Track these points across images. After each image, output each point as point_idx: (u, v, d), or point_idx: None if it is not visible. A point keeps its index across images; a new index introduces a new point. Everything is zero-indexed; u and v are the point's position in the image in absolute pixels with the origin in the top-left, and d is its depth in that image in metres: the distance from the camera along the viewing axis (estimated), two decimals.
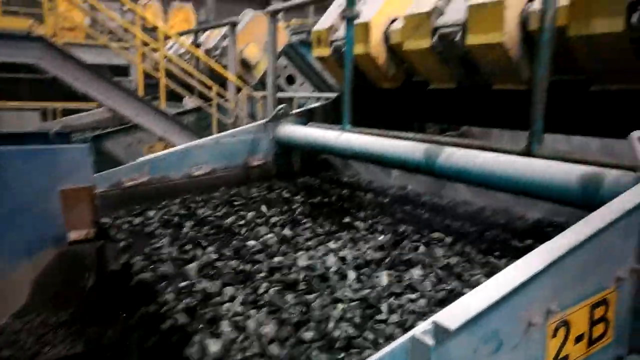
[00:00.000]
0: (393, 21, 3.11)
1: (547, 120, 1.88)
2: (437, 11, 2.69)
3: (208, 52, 8.60)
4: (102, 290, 2.45)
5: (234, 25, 7.40)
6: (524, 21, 2.33)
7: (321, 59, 3.69)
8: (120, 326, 2.26)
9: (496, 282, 1.03)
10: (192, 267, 1.91)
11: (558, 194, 1.70)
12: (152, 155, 2.88)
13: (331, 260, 1.90)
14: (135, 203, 2.69)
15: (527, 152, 1.89)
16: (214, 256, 2.01)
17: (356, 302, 1.56)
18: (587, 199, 1.59)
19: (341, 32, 3.31)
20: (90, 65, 5.90)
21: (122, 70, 12.36)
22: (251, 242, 2.15)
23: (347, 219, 2.46)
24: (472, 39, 2.47)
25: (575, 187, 1.62)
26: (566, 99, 2.24)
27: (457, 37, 2.54)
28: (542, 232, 2.24)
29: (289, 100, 7.53)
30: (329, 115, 3.44)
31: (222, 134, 3.18)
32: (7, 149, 2.39)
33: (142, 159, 2.80)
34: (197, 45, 8.76)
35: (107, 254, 2.32)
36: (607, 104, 2.17)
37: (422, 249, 2.04)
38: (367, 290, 1.62)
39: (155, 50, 6.98)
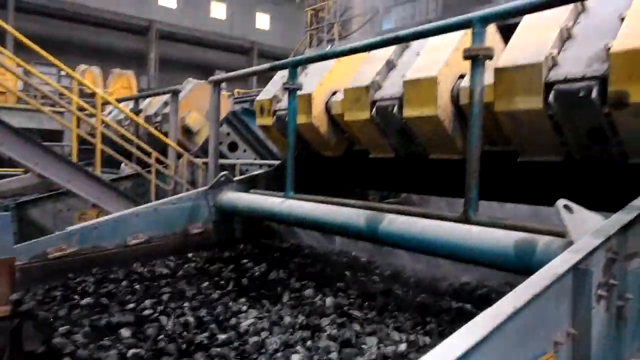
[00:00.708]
0: (334, 93, 3.25)
1: (481, 188, 1.97)
2: (375, 85, 2.85)
3: (149, 118, 8.53)
4: None
5: (175, 93, 7.43)
6: (455, 96, 2.50)
7: (264, 128, 3.76)
8: None
9: (441, 351, 1.01)
10: (112, 353, 1.75)
11: (494, 259, 1.75)
12: (83, 224, 2.71)
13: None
14: (60, 276, 2.47)
15: (464, 219, 1.96)
16: (133, 340, 1.87)
17: None
18: (521, 264, 1.65)
19: (284, 103, 3.40)
20: (18, 129, 5.61)
21: (56, 135, 11.92)
22: (169, 325, 2.01)
23: (286, 290, 2.39)
24: (408, 112, 2.61)
25: (510, 253, 1.69)
26: (498, 168, 2.38)
27: (394, 110, 2.68)
28: (480, 297, 2.28)
29: (231, 167, 7.49)
30: (272, 182, 3.44)
31: (161, 201, 3.08)
32: None
33: (71, 227, 2.63)
34: (138, 112, 8.67)
35: (24, 333, 2.09)
36: (534, 174, 2.32)
37: (356, 313, 2.01)
38: None
39: (92, 115, 6.82)
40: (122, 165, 7.66)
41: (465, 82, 2.46)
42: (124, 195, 6.23)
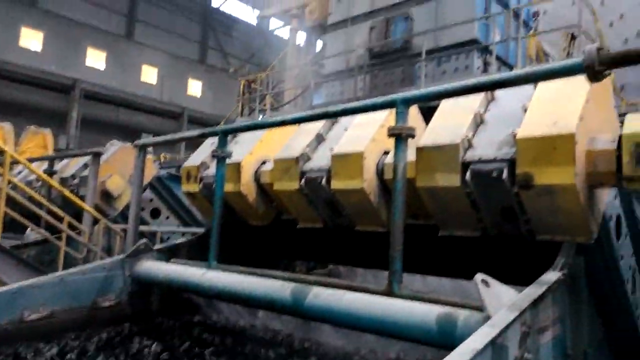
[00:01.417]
0: (264, 162, 3.27)
1: (405, 261, 2.02)
2: (305, 157, 2.91)
3: (65, 180, 8.02)
4: None
5: (97, 155, 7.12)
6: (380, 171, 2.61)
7: (190, 195, 3.65)
8: None
9: None
10: None
11: (417, 334, 1.76)
12: None
13: None
14: None
15: (389, 292, 1.97)
16: None
17: None
18: (444, 339, 1.67)
19: (212, 170, 3.36)
20: None
21: None
22: None
23: None
24: (336, 184, 2.67)
25: (432, 328, 1.70)
26: (421, 241, 2.46)
27: (323, 182, 2.74)
28: None
29: (152, 235, 7.14)
30: (194, 252, 3.30)
31: (69, 270, 2.82)
32: None
33: None
34: (53, 173, 8.15)
35: None
36: (454, 248, 2.42)
37: None
38: None
39: None
40: (28, 230, 7.04)
41: (389, 158, 2.58)
42: (25, 264, 5.66)
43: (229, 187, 3.15)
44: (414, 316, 1.77)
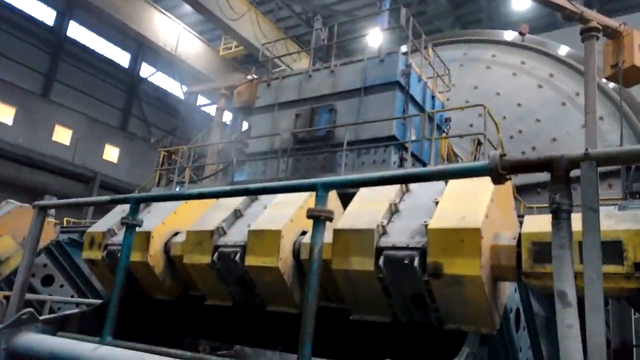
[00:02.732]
0: (176, 234, 3.15)
1: (316, 344, 1.97)
2: (220, 231, 2.85)
3: None
4: None
5: None
6: (296, 251, 2.61)
7: (91, 262, 3.39)
8: None
9: None
10: None
11: None
12: None
13: None
14: None
15: None
16: None
17: None
18: None
19: (119, 237, 3.17)
20: None
21: None
22: None
23: None
24: (250, 261, 2.62)
25: None
26: (332, 325, 2.43)
27: (237, 257, 2.67)
28: None
29: (41, 304, 6.41)
30: (88, 324, 2.99)
31: None
32: None
33: None
34: None
35: None
36: (365, 333, 2.42)
37: None
38: None
39: None
40: None
41: (306, 238, 2.60)
42: None
43: (135, 256, 2.97)
44: None
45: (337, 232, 2.36)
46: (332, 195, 2.77)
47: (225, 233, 2.85)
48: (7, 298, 5.98)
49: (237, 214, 2.98)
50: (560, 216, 1.56)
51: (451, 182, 2.37)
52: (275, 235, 2.57)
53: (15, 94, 24.68)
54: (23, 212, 7.36)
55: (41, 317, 2.87)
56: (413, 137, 8.75)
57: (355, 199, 2.58)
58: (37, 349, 2.60)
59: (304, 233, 2.68)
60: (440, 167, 2.06)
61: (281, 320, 2.65)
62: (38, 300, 6.65)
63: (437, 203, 2.29)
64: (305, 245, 2.57)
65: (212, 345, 3.41)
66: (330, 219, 2.17)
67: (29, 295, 4.12)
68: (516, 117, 11.53)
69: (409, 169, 7.46)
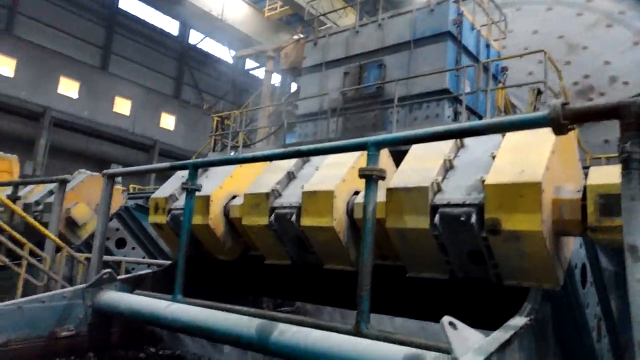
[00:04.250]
0: (233, 197, 3.26)
1: (373, 301, 2.02)
2: (275, 193, 2.92)
3: (28, 206, 7.77)
4: None
5: (63, 182, 6.94)
6: (350, 210, 2.64)
7: (157, 226, 3.59)
8: None
9: None
10: None
11: None
12: None
13: None
14: None
15: (356, 331, 1.96)
16: None
17: None
18: None
19: (180, 202, 3.32)
20: None
21: None
22: None
23: None
24: (306, 221, 2.68)
25: None
26: (389, 282, 2.47)
27: (292, 218, 2.74)
28: None
29: (117, 265, 6.92)
30: (159, 284, 3.22)
31: (28, 298, 2.71)
32: None
33: None
34: (16, 199, 7.88)
35: None
36: (421, 290, 2.44)
37: None
38: None
39: None
40: None
41: (359, 198, 2.62)
42: None
43: (197, 220, 3.12)
44: (381, 356, 1.75)
45: (390, 191, 2.36)
46: (384, 153, 2.76)
47: (280, 195, 2.92)
48: (87, 260, 6.50)
49: (290, 176, 3.04)
50: (630, 166, 1.47)
51: (509, 134, 2.28)
52: (328, 195, 2.60)
53: (77, 68, 25.82)
54: (94, 181, 7.86)
55: (119, 277, 3.12)
56: (467, 89, 8.40)
57: (408, 156, 2.55)
58: (117, 305, 2.84)
59: (357, 193, 2.69)
60: (496, 119, 1.98)
61: (339, 278, 2.72)
62: (114, 261, 7.16)
63: (493, 157, 2.22)
64: (358, 205, 2.59)
65: (274, 302, 3.57)
66: (383, 178, 2.17)
67: (105, 257, 4.45)
68: (582, 61, 10.71)
69: (464, 122, 7.20)
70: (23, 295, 4.48)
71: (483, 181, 2.10)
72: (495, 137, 2.34)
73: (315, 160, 3.04)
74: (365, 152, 2.20)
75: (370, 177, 2.11)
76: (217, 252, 3.32)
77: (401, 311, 2.63)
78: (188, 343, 3.19)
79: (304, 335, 2.03)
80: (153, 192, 3.72)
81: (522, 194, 1.95)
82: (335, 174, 2.71)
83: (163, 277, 3.27)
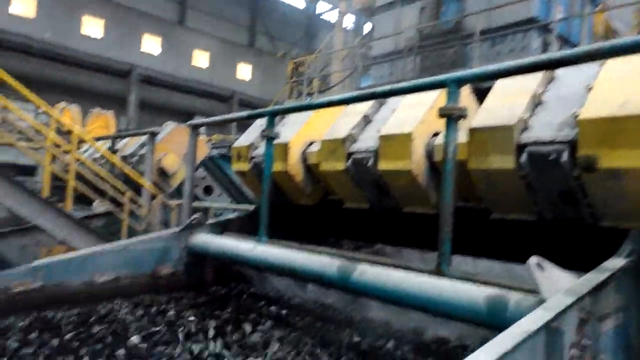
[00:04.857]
0: (311, 143, 3.30)
1: (455, 243, 1.99)
2: (352, 138, 2.91)
3: (125, 158, 8.45)
4: None
5: (153, 134, 7.42)
6: (429, 152, 2.57)
7: (240, 173, 3.76)
8: None
9: None
10: None
11: (466, 314, 1.74)
12: (48, 259, 2.60)
13: None
14: (24, 312, 2.36)
15: (437, 272, 1.96)
16: None
17: None
18: (493, 320, 1.64)
19: (261, 150, 3.43)
20: None
21: (29, 170, 11.66)
22: None
23: (255, 333, 2.32)
24: (383, 165, 2.66)
25: (482, 308, 1.68)
26: (471, 224, 2.42)
27: (370, 163, 2.73)
28: (451, 352, 2.25)
29: (205, 210, 7.40)
30: (245, 227, 3.40)
31: (131, 240, 3.00)
32: None
33: (36, 262, 2.52)
34: (115, 151, 8.59)
35: None
36: (507, 231, 2.36)
37: None
38: None
39: (67, 152, 6.73)
40: (95, 203, 7.51)
41: (439, 140, 2.54)
42: (94, 233, 6.07)
43: (277, 166, 3.21)
44: (463, 296, 1.75)
45: (472, 131, 2.26)
46: (465, 90, 2.62)
47: (356, 140, 2.91)
48: (179, 206, 7.01)
49: (366, 120, 3.00)
50: None
51: (608, 63, 2.06)
52: (406, 138, 2.55)
53: (158, 25, 26.80)
54: (180, 132, 8.33)
55: (208, 221, 3.34)
56: (560, 16, 7.61)
57: (492, 93, 2.40)
58: (208, 247, 3.06)
59: (436, 134, 2.61)
60: (594, 45, 1.76)
61: (419, 220, 2.70)
62: (203, 207, 7.66)
63: (589, 90, 2.03)
64: (438, 147, 2.51)
65: (354, 245, 3.65)
66: (464, 117, 2.07)
67: (195, 204, 4.78)
68: None
69: (554, 52, 6.57)
70: (127, 238, 4.96)
71: (577, 116, 1.93)
72: (591, 68, 2.12)
73: (391, 102, 2.96)
74: (444, 91, 2.10)
75: (451, 116, 2.02)
76: (297, 198, 3.42)
77: (484, 253, 2.58)
78: (274, 282, 3.39)
79: (384, 274, 2.06)
80: (234, 142, 3.87)
81: (625, 128, 1.77)
82: (413, 115, 2.64)
83: (248, 221, 3.45)
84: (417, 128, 2.56)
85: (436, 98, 2.65)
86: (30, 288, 2.43)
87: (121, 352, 2.08)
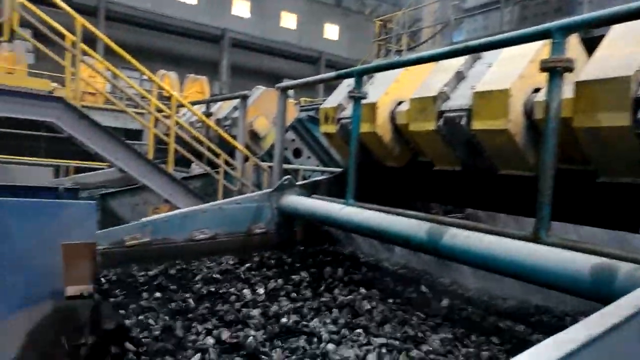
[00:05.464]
0: (400, 103, 3.21)
1: (554, 208, 1.86)
2: (443, 96, 2.79)
3: (219, 122, 8.87)
4: (94, 348, 2.34)
5: (244, 98, 7.67)
6: (529, 110, 2.39)
7: (328, 135, 3.78)
8: None
9: None
10: (181, 332, 1.84)
11: (567, 283, 1.64)
12: (155, 217, 2.86)
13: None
14: (135, 263, 2.63)
15: (534, 238, 1.85)
16: (203, 326, 1.94)
17: None
18: (598, 291, 1.53)
19: (348, 111, 3.41)
20: (105, 127, 6.08)
21: (135, 134, 12.75)
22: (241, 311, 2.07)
23: (342, 293, 2.39)
24: (477, 124, 2.52)
25: (586, 278, 1.57)
26: (574, 188, 2.24)
27: (463, 122, 2.61)
28: (546, 323, 2.15)
29: (294, 172, 7.62)
30: (333, 189, 3.45)
31: (227, 200, 3.18)
32: (17, 201, 2.41)
33: (145, 219, 2.78)
34: (209, 115, 9.04)
35: (102, 311, 2.23)
36: (616, 196, 2.16)
37: (411, 331, 1.96)
38: None
39: (167, 116, 7.21)
40: (193, 164, 8.03)
41: (540, 96, 2.34)
42: (193, 193, 6.53)
43: (364, 127, 3.18)
44: (564, 264, 1.64)
45: (580, 85, 2.05)
46: (573, 40, 2.38)
47: (448, 98, 2.78)
48: (270, 168, 7.28)
49: (459, 76, 2.84)
50: None
51: None
52: (503, 95, 2.38)
53: None
54: (269, 95, 8.54)
55: (297, 183, 3.43)
56: None
57: (605, 41, 2.15)
58: (298, 207, 3.16)
59: (537, 90, 2.41)
60: None
61: (515, 183, 2.56)
62: (292, 169, 7.89)
63: None
64: (538, 104, 2.32)
65: (443, 209, 3.57)
66: (571, 70, 1.88)
67: (285, 165, 4.91)
68: None
69: None
70: (222, 198, 5.26)
71: None
72: None
73: (487, 56, 2.77)
74: (548, 42, 1.92)
75: (555, 69, 1.84)
76: (385, 159, 3.38)
77: (587, 219, 2.38)
78: (361, 243, 3.43)
79: (476, 239, 1.99)
80: (322, 104, 3.89)
81: None
82: (512, 69, 2.45)
83: (336, 183, 3.49)
84: (516, 83, 2.38)
85: (538, 50, 2.43)
86: (140, 242, 2.68)
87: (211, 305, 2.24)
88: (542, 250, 1.76)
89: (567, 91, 2.04)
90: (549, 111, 1.87)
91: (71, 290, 2.37)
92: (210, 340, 1.83)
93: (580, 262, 1.61)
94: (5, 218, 2.38)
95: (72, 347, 2.32)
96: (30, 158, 10.35)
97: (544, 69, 1.89)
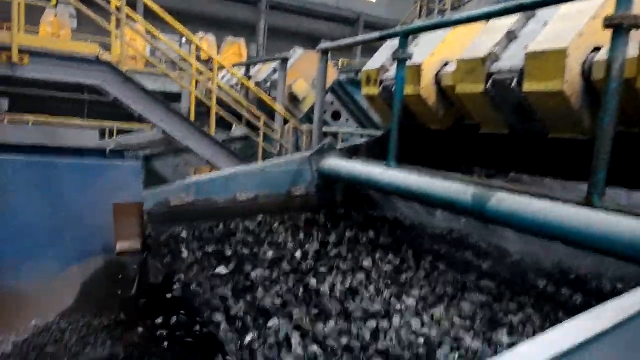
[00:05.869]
0: (446, 64, 3.11)
1: (609, 173, 1.78)
2: (493, 57, 2.67)
3: (258, 84, 8.87)
4: (143, 300, 2.48)
5: (284, 60, 7.61)
6: (587, 71, 2.26)
7: (370, 98, 3.71)
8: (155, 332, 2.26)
9: (552, 339, 0.94)
10: (225, 289, 1.91)
11: (621, 250, 1.58)
12: (198, 177, 2.93)
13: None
14: (179, 222, 2.72)
15: (588, 204, 1.79)
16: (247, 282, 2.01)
17: None
18: None
19: (391, 73, 3.33)
20: (149, 91, 6.21)
21: (175, 97, 12.93)
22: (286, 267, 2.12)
23: (388, 257, 2.40)
24: (530, 86, 2.42)
25: None
26: (630, 153, 2.14)
27: (513, 84, 2.50)
28: (596, 289, 2.11)
29: (334, 135, 7.59)
30: (373, 152, 3.42)
31: (267, 162, 3.22)
32: (67, 162, 2.51)
33: (188, 180, 2.86)
34: (248, 78, 9.05)
35: (150, 267, 2.34)
36: None
37: (457, 295, 1.96)
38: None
39: (209, 79, 7.27)
40: (234, 127, 8.13)
41: (601, 55, 2.21)
42: (234, 155, 6.65)
43: (408, 90, 3.10)
44: (620, 230, 1.58)
45: None
46: None
47: (498, 59, 2.66)
48: (309, 131, 7.29)
49: (510, 36, 2.71)
50: None
51: None
52: (559, 55, 2.26)
53: None
54: (309, 57, 8.43)
55: (337, 146, 3.42)
56: None
57: None
58: (338, 170, 3.16)
59: (596, 50, 2.27)
60: None
61: (566, 147, 2.46)
62: (331, 132, 7.87)
63: None
64: (598, 64, 2.19)
65: (486, 173, 3.48)
66: (638, 27, 1.76)
67: (324, 128, 4.91)
68: None
69: None
70: (262, 160, 5.33)
71: None
72: None
73: (542, 14, 2.62)
74: None
75: (621, 26, 1.72)
76: (429, 122, 3.31)
77: None
78: (401, 207, 3.41)
79: (524, 204, 1.94)
80: (362, 66, 3.81)
81: None
82: (570, 27, 2.31)
83: (376, 146, 3.46)
84: (574, 42, 2.24)
85: (601, 5, 2.28)
86: (185, 202, 2.77)
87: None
88: (597, 216, 1.70)
89: (631, 50, 1.91)
90: (611, 71, 1.77)
91: (121, 246, 2.50)
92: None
93: (637, 229, 1.55)
94: (60, 178, 2.49)
95: (123, 298, 2.46)
96: (76, 121, 10.75)
97: (607, 25, 1.78)
